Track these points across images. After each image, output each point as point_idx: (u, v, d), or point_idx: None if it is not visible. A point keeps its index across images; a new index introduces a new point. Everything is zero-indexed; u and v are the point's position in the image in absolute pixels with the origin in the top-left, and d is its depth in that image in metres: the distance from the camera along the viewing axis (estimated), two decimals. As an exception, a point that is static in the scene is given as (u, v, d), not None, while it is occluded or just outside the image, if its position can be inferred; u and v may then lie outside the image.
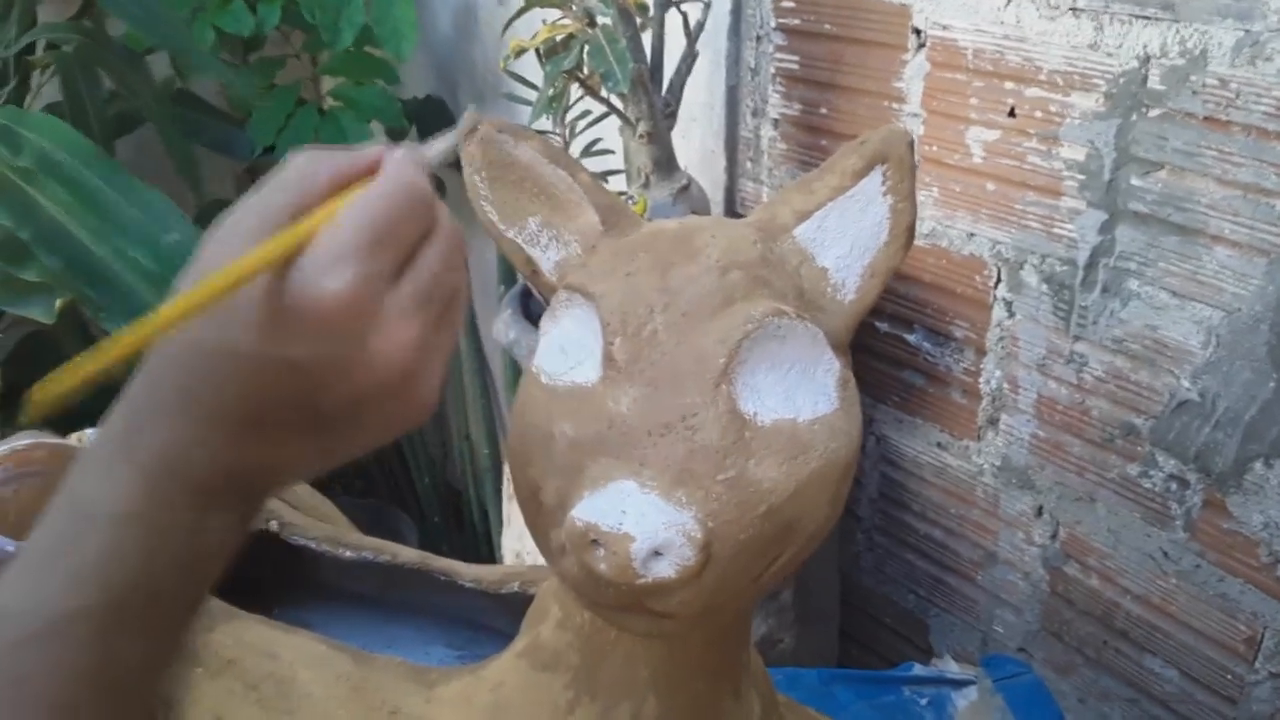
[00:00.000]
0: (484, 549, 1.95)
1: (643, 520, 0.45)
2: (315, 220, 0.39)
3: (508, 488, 1.35)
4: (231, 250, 0.39)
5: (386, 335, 0.40)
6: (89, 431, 0.67)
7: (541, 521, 0.52)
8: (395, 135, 1.74)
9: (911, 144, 0.55)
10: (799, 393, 0.51)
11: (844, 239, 0.55)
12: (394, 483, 2.16)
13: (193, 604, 0.43)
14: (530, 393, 0.54)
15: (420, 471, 2.10)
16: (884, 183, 0.54)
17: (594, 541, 0.46)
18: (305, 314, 0.38)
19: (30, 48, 1.38)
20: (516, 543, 1.26)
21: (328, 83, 1.67)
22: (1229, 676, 0.93)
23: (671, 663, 0.56)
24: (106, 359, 0.38)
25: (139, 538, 0.39)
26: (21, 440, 0.63)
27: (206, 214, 1.76)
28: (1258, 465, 0.85)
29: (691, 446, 0.48)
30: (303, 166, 0.41)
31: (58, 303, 1.16)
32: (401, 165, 0.42)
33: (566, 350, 0.53)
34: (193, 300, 0.38)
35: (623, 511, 0.46)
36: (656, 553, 0.46)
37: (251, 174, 1.87)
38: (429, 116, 1.77)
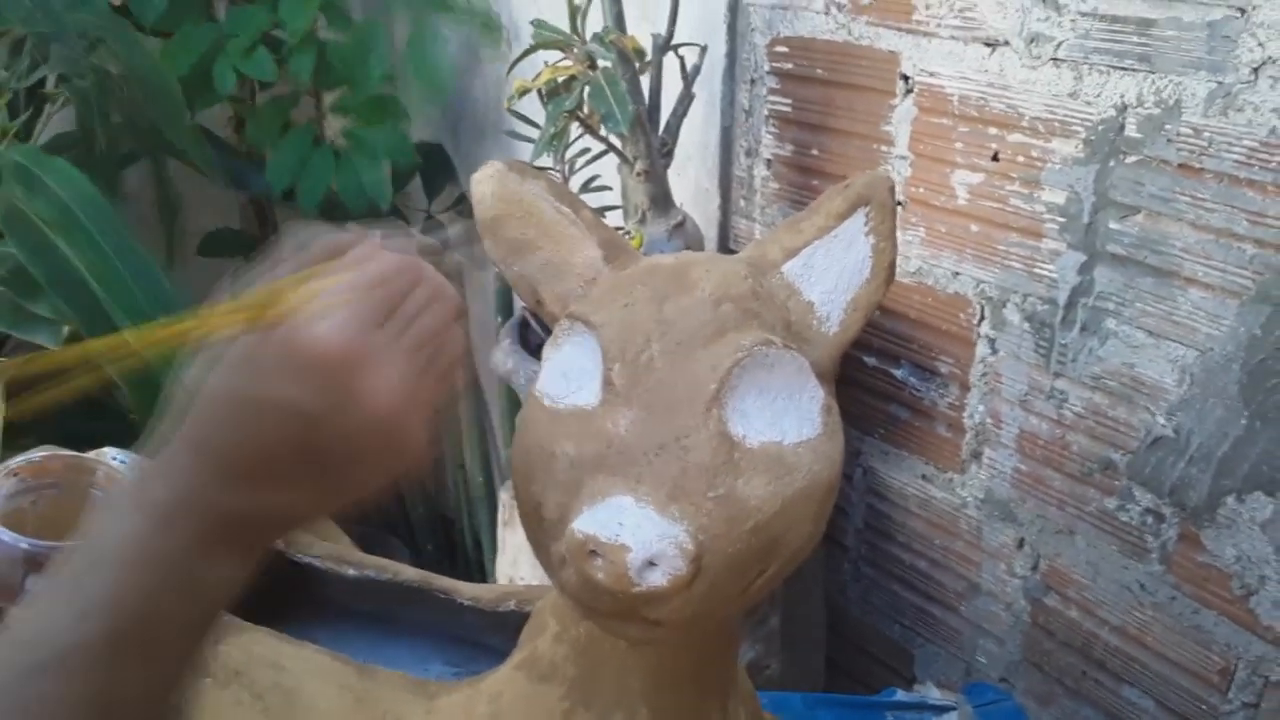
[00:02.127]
0: (477, 577, 1.97)
1: (638, 532, 0.48)
2: (300, 278, 0.45)
3: (502, 514, 1.37)
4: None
5: (375, 373, 0.44)
6: (108, 450, 0.69)
7: (543, 535, 0.55)
8: (407, 174, 1.77)
9: (893, 188, 0.59)
10: (785, 418, 0.54)
11: (829, 275, 0.59)
12: (388, 511, 2.18)
13: (194, 639, 0.46)
14: (533, 414, 0.57)
15: (414, 501, 2.12)
16: (867, 224, 0.58)
17: (592, 552, 0.49)
18: (303, 357, 0.43)
19: (42, 81, 1.42)
20: (510, 568, 1.28)
21: (333, 117, 1.70)
22: (1204, 706, 0.95)
23: (662, 674, 0.59)
24: (73, 357, 0.44)
25: (142, 578, 0.43)
26: (38, 453, 0.65)
27: (211, 244, 1.79)
28: (1230, 500, 0.88)
29: (684, 465, 0.51)
30: (298, 241, 0.48)
31: (65, 329, 1.19)
32: (385, 239, 0.48)
33: (568, 375, 0.56)
34: (163, 332, 0.43)
35: (620, 524, 0.49)
36: (651, 563, 0.49)
37: (255, 205, 1.90)
38: (431, 163, 1.81)
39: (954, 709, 0.96)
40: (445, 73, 1.54)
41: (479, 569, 1.94)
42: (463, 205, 1.78)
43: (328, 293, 0.44)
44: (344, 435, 0.44)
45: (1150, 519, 0.95)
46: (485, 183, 0.59)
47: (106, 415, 1.33)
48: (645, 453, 0.52)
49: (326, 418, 0.44)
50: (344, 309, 0.44)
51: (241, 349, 0.44)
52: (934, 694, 0.98)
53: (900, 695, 0.98)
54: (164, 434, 0.45)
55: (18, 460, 0.64)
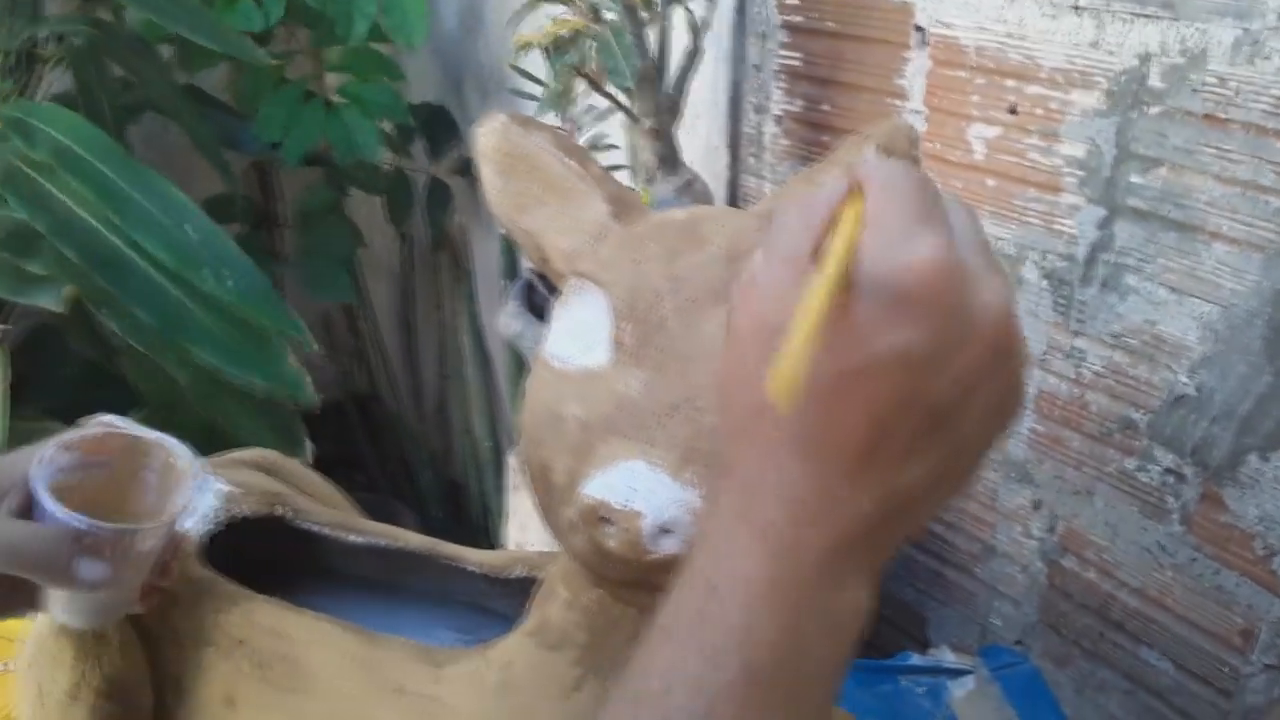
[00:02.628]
0: (484, 542, 1.96)
1: (651, 498, 0.46)
2: (848, 232, 0.36)
3: (509, 479, 1.36)
4: (778, 309, 0.36)
5: (985, 288, 0.36)
6: (105, 416, 0.66)
7: (552, 500, 0.53)
8: (402, 133, 1.75)
9: (915, 138, 0.57)
10: (802, 376, 0.52)
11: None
12: (395, 478, 2.17)
13: (831, 680, 0.40)
14: (541, 376, 0.55)
15: (422, 466, 2.11)
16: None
17: (604, 518, 0.47)
18: (902, 292, 0.35)
19: (35, 40, 1.39)
20: (518, 534, 1.27)
21: (332, 79, 1.68)
22: (1224, 668, 0.94)
23: (676, 642, 0.57)
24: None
25: (772, 608, 0.38)
26: (95, 428, 0.60)
27: (211, 209, 1.77)
28: (1253, 458, 0.86)
29: (698, 427, 0.49)
30: (791, 218, 0.38)
31: (65, 292, 1.17)
32: (884, 162, 0.39)
33: (577, 335, 0.54)
34: (803, 349, 0.33)
35: (632, 489, 0.47)
36: (664, 529, 0.47)
37: (257, 170, 1.88)
38: (436, 124, 1.79)
39: (970, 672, 0.95)
40: (417, 22, 1.50)
41: (487, 535, 1.94)
42: (468, 166, 1.76)
43: (883, 220, 0.36)
44: (960, 379, 0.36)
45: (1171, 479, 0.93)
46: (488, 136, 0.57)
47: (106, 383, 1.32)
48: (657, 415, 0.50)
49: (941, 359, 0.36)
50: (922, 225, 0.35)
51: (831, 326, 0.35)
52: (949, 657, 0.97)
53: (915, 659, 0.97)
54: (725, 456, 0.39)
55: (74, 434, 0.59)
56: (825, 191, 0.38)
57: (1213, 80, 0.81)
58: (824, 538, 0.37)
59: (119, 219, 1.11)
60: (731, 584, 0.38)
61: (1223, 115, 0.81)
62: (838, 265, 0.35)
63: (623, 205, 0.58)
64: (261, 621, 0.70)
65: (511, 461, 1.37)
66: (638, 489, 0.47)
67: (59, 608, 0.59)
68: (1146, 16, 0.83)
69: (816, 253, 0.37)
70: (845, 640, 0.39)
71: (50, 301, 1.16)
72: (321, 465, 1.32)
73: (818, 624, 0.38)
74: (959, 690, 0.93)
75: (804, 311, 0.34)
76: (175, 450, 0.61)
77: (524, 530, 1.26)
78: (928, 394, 0.36)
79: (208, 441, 0.84)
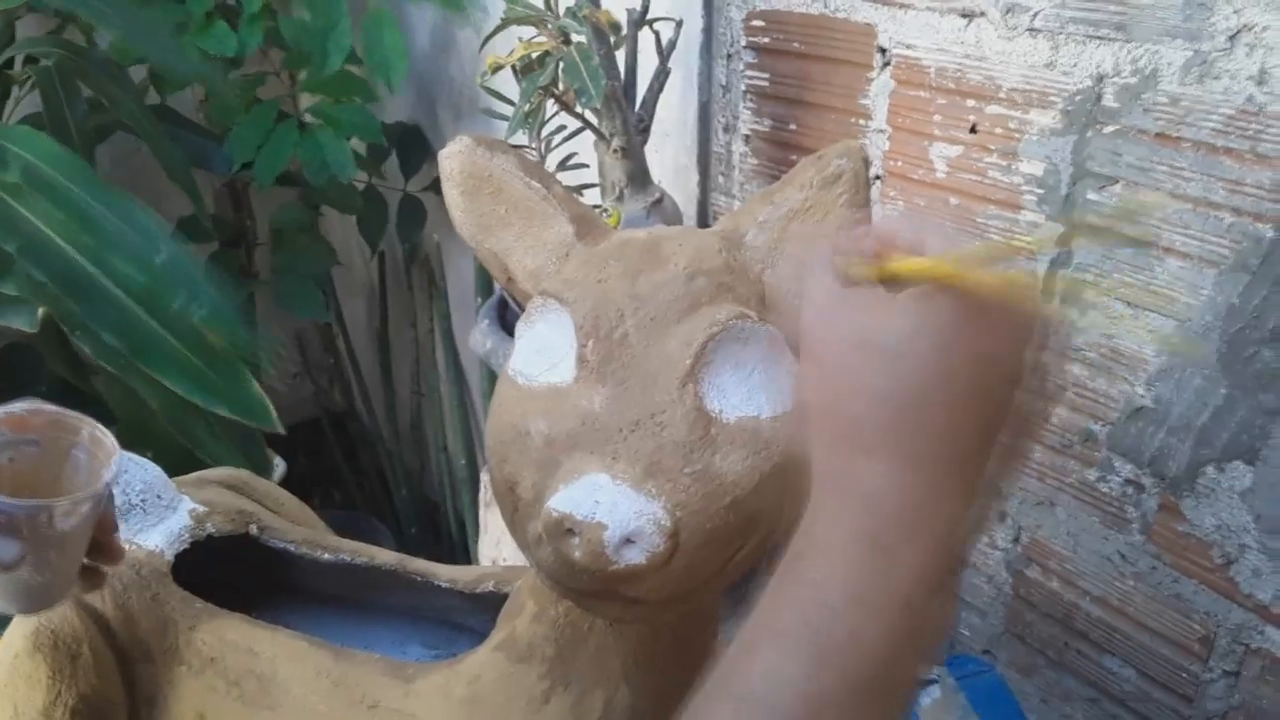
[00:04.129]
0: (460, 559, 1.97)
1: (615, 510, 0.48)
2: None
3: (484, 496, 1.37)
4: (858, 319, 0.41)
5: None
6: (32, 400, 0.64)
7: (519, 515, 0.54)
8: (374, 151, 1.76)
9: (867, 158, 0.58)
10: (762, 392, 0.54)
11: (805, 247, 0.58)
12: (372, 495, 2.17)
13: (916, 683, 0.44)
14: (506, 393, 0.56)
15: (398, 484, 2.11)
16: (841, 195, 0.57)
17: (569, 531, 0.48)
18: (988, 307, 0.40)
19: (9, 62, 1.40)
20: (493, 550, 1.27)
21: (306, 98, 1.68)
22: (1185, 675, 0.95)
23: (642, 652, 0.59)
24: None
25: (879, 622, 0.39)
26: (18, 405, 0.59)
27: (185, 229, 1.78)
28: (1209, 469, 0.88)
29: (660, 442, 0.51)
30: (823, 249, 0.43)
31: (40, 312, 1.17)
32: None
33: (541, 353, 0.56)
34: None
35: (596, 502, 0.48)
36: (628, 540, 0.48)
37: (230, 189, 1.88)
38: (408, 143, 1.80)
39: (936, 681, 0.96)
40: (397, 61, 1.51)
41: (463, 551, 1.94)
42: (439, 185, 1.77)
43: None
44: (1026, 379, 0.41)
45: (1130, 489, 0.95)
46: (453, 158, 0.58)
47: (80, 402, 1.32)
48: (621, 429, 0.51)
49: (1020, 363, 0.40)
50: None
51: (916, 332, 0.40)
52: (917, 668, 0.98)
53: (883, 670, 0.98)
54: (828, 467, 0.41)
55: None
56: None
57: (1164, 100, 0.83)
58: (926, 549, 0.40)
59: (89, 241, 1.11)
60: (845, 599, 0.40)
61: (1174, 134, 0.83)
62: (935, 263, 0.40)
63: (586, 225, 0.59)
64: (232, 639, 0.70)
65: (486, 478, 1.38)
66: (601, 502, 0.48)
67: None
68: (1100, 38, 0.85)
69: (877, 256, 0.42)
70: (932, 649, 0.42)
71: (23, 322, 1.16)
72: (297, 483, 1.33)
73: (913, 636, 0.40)
74: (925, 699, 0.94)
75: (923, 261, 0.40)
76: (101, 428, 0.60)
77: (498, 546, 1.27)
78: (1015, 399, 0.40)
79: (181, 461, 0.85)
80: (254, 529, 0.80)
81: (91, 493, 0.56)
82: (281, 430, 1.22)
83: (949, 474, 0.40)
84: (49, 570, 0.57)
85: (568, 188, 0.61)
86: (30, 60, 1.41)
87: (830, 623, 0.39)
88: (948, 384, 0.39)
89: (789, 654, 0.40)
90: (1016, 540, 1.06)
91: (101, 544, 0.60)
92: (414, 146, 1.80)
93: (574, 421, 0.52)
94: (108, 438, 0.59)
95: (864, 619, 0.39)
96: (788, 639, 0.40)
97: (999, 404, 0.40)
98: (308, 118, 1.63)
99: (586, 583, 0.50)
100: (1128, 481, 0.95)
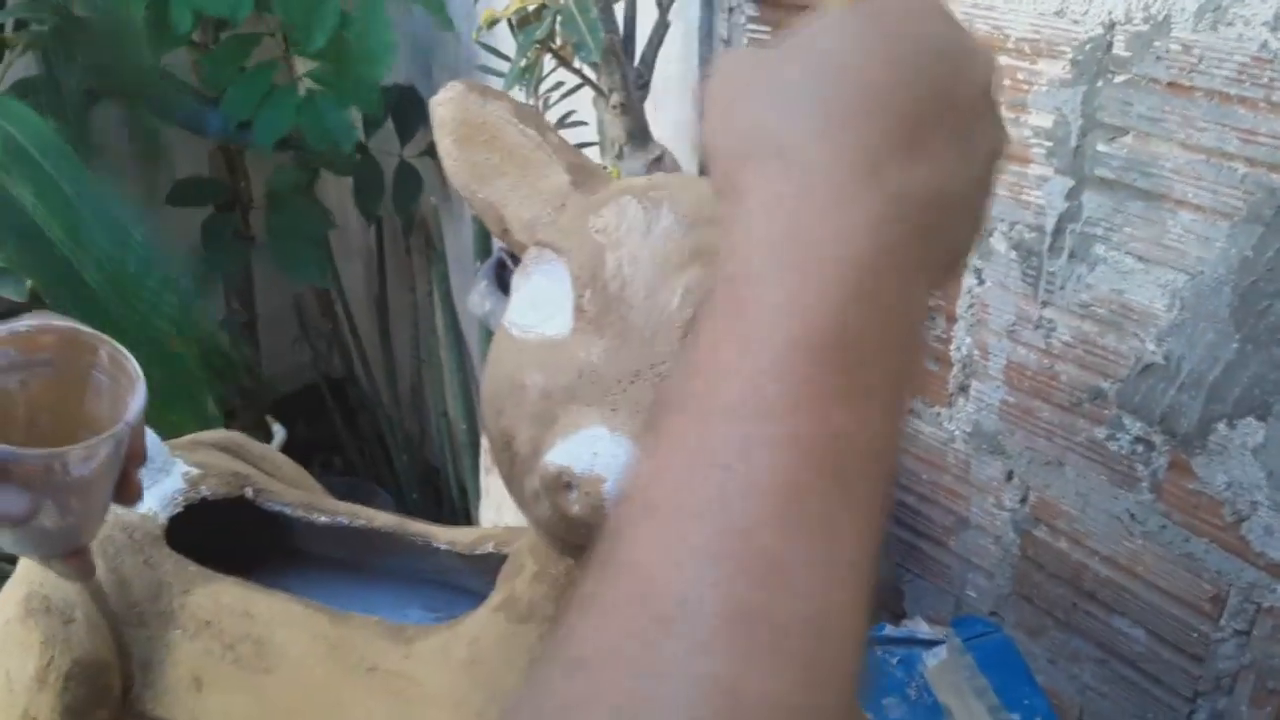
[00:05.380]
0: (462, 523, 1.95)
1: (614, 462, 0.46)
2: None
3: (484, 460, 1.35)
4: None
5: (979, 45, 0.39)
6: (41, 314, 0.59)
7: (516, 471, 0.53)
8: (371, 121, 1.74)
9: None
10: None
11: None
12: (372, 461, 2.17)
13: (907, 375, 0.36)
14: (503, 346, 0.55)
15: (398, 449, 2.10)
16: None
17: (567, 485, 0.47)
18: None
19: (1, 27, 1.38)
20: (494, 514, 1.26)
21: (304, 62, 1.66)
22: (1195, 635, 0.94)
23: (643, 612, 0.57)
24: None
25: (815, 290, 0.33)
26: (24, 322, 0.52)
27: (180, 192, 1.76)
28: (1221, 426, 0.87)
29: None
30: None
31: (29, 281, 1.16)
32: None
33: (538, 305, 0.54)
34: None
35: (594, 454, 0.47)
36: (627, 495, 0.47)
37: (225, 153, 1.86)
38: (404, 106, 1.77)
39: (942, 642, 0.95)
40: (383, 49, 1.49)
41: (465, 516, 1.93)
42: (435, 150, 1.75)
43: None
44: (977, 83, 0.38)
45: (1140, 447, 0.93)
46: (445, 105, 0.57)
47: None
48: (619, 381, 0.49)
49: (967, 56, 0.38)
50: None
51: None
52: (923, 628, 0.98)
53: (889, 630, 0.97)
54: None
55: (1, 330, 0.51)
56: None
57: (1177, 47, 0.81)
58: (862, 213, 0.34)
59: (59, 224, 1.09)
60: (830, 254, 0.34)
61: (1187, 83, 0.81)
62: None
63: (582, 174, 0.57)
64: (228, 603, 0.69)
65: (486, 443, 1.36)
66: (600, 454, 0.47)
67: (4, 539, 0.52)
68: (1111, -16, 0.83)
69: None
70: (914, 343, 0.36)
71: (12, 292, 1.15)
72: (297, 449, 1.32)
73: (890, 322, 0.34)
74: (932, 660, 0.93)
75: None
76: (119, 348, 0.53)
77: (499, 511, 1.26)
78: (968, 90, 0.37)
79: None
80: (249, 492, 0.79)
81: (111, 435, 0.50)
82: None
83: (888, 153, 0.35)
84: (72, 515, 0.52)
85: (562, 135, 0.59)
86: (20, 25, 1.39)
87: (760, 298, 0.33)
88: (906, 59, 0.36)
89: (727, 343, 0.33)
90: (1024, 500, 1.05)
91: (122, 479, 0.54)
92: (410, 110, 1.77)
93: (571, 374, 0.50)
94: (129, 360, 0.53)
95: (799, 286, 0.33)
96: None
97: (949, 96, 0.36)
98: (306, 82, 1.60)
99: (586, 538, 0.48)
100: (1137, 439, 0.93)
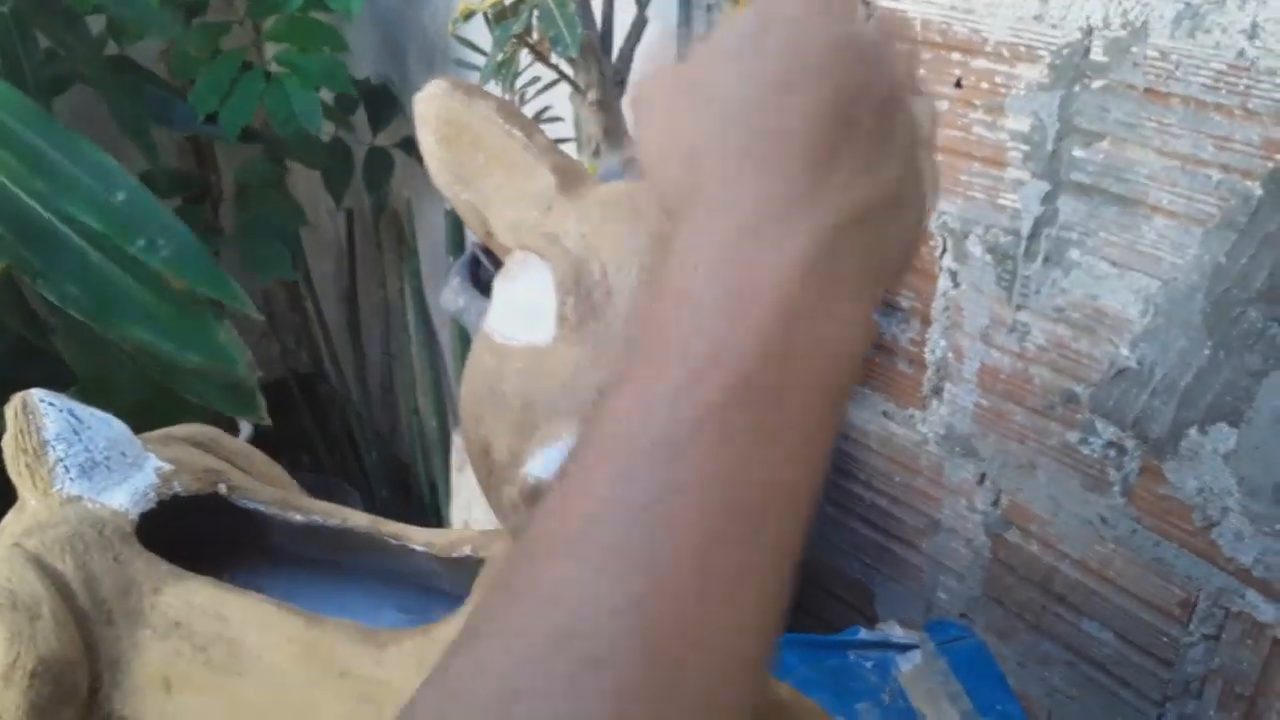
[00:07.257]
0: (432, 521, 1.95)
1: (596, 473, 0.46)
2: None
3: (455, 458, 1.35)
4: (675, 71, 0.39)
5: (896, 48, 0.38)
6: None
7: (493, 479, 0.52)
8: (344, 104, 1.72)
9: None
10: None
11: None
12: (341, 457, 2.15)
13: (834, 414, 0.36)
14: (482, 352, 0.54)
15: (368, 446, 2.09)
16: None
17: (547, 496, 0.46)
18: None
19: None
20: (464, 513, 1.26)
21: (271, 48, 1.64)
22: (1164, 639, 0.95)
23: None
24: None
25: (749, 322, 0.33)
26: None
27: (146, 184, 1.73)
28: (1192, 432, 0.87)
29: (644, 403, 0.48)
30: None
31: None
32: None
33: (520, 310, 0.53)
34: None
35: (576, 465, 0.46)
36: (609, 507, 0.46)
37: (193, 143, 1.84)
38: (378, 99, 1.76)
39: (916, 647, 0.95)
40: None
41: (435, 514, 1.92)
42: (411, 142, 1.74)
43: None
44: (895, 76, 0.37)
45: (1112, 452, 0.94)
46: (429, 102, 0.56)
47: (38, 359, 1.29)
48: (601, 391, 0.49)
49: (882, 50, 0.37)
50: None
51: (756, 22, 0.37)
52: (897, 632, 0.98)
53: (863, 634, 0.98)
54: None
55: None
56: None
57: (1154, 54, 0.81)
58: (787, 252, 0.34)
59: (46, 187, 1.07)
60: (704, 292, 0.34)
61: (1163, 89, 0.81)
62: None
63: (569, 176, 0.57)
64: (199, 603, 0.68)
65: (457, 440, 1.36)
66: (581, 465, 0.46)
67: None
68: (1090, -10, 0.83)
69: None
70: (846, 371, 0.35)
71: None
72: (266, 444, 1.30)
73: (815, 344, 0.34)
74: (906, 664, 0.93)
75: None
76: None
77: (470, 509, 1.25)
78: (876, 88, 0.36)
79: (145, 417, 0.83)
80: (223, 488, 0.78)
81: None
82: (255, 375, 1.19)
83: (815, 170, 0.35)
84: None
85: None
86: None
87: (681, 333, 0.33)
88: (818, 68, 0.36)
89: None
90: (996, 503, 1.05)
91: None
92: (384, 102, 1.76)
93: (554, 383, 0.50)
94: None
95: (734, 315, 0.33)
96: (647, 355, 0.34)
97: (869, 95, 0.36)
98: (274, 67, 1.58)
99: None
100: (1109, 444, 0.94)
